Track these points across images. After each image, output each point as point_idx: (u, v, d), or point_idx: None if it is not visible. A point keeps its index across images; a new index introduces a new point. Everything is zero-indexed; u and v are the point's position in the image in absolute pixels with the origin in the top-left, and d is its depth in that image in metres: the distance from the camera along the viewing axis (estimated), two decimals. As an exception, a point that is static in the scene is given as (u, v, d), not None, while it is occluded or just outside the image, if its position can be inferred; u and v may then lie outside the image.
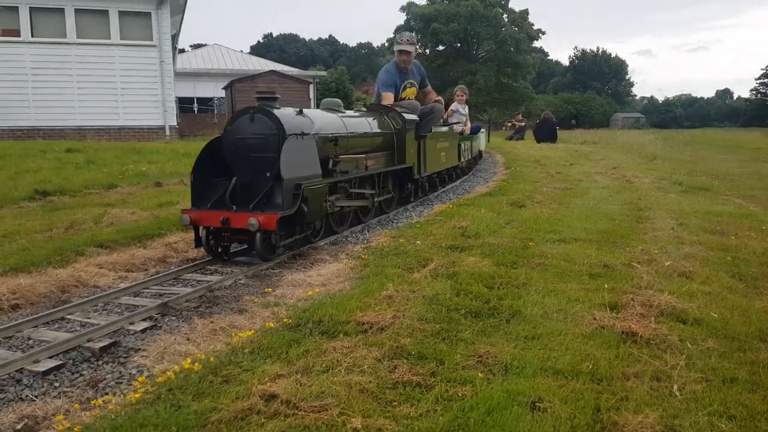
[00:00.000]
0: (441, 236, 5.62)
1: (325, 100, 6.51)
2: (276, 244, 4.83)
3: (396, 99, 8.30)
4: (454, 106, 12.29)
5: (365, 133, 6.56)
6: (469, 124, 12.42)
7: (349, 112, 6.67)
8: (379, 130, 6.94)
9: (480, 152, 14.15)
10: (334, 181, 5.60)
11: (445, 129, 9.49)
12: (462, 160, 10.97)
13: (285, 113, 5.10)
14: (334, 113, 6.21)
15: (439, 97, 8.96)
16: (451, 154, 9.75)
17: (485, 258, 4.75)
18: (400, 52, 8.32)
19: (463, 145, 11.02)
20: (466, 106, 12.64)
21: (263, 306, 3.80)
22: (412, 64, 8.54)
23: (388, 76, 8.34)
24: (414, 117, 7.72)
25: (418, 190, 8.35)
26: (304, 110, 5.50)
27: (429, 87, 9.14)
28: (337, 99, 6.64)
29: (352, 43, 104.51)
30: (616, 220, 6.48)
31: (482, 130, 15.80)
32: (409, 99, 8.51)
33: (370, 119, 6.88)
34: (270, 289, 4.18)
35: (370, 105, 7.95)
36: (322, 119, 5.75)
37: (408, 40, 8.40)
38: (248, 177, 5.01)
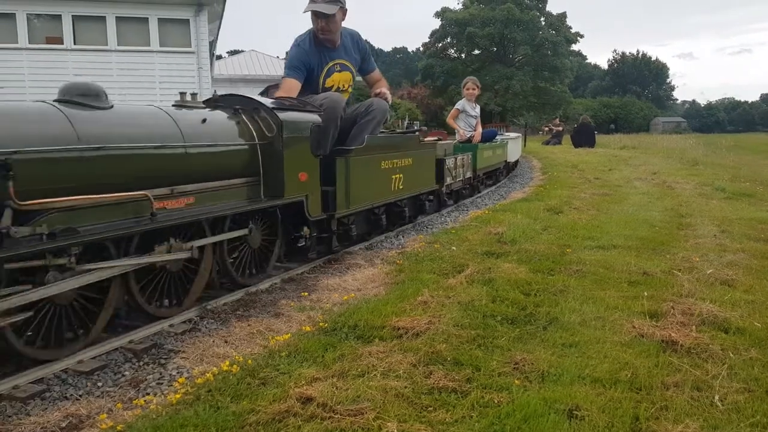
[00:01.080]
0: (476, 242, 5.60)
1: (65, 85, 3.30)
2: None
3: (316, 89, 5.24)
4: (461, 104, 9.48)
5: (157, 147, 3.44)
6: (479, 129, 9.64)
7: (125, 107, 3.59)
8: (219, 143, 3.90)
9: (507, 162, 11.96)
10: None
11: (400, 138, 6.42)
12: (448, 181, 7.49)
13: None
14: (72, 109, 3.13)
15: (383, 90, 5.62)
16: (418, 175, 6.31)
17: (522, 264, 4.72)
18: (316, 14, 5.02)
19: (451, 161, 7.56)
20: (478, 106, 9.80)
21: (299, 310, 3.84)
22: (343, 35, 5.35)
23: (298, 53, 5.14)
24: (309, 118, 4.53)
25: (332, 238, 4.95)
26: None
27: (377, 72, 5.87)
28: (97, 84, 3.38)
29: (387, 48, 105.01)
30: (656, 226, 6.36)
31: (518, 135, 15.26)
32: (338, 89, 5.35)
33: (191, 121, 3.79)
34: (306, 294, 4.22)
35: (218, 97, 4.55)
36: None
37: None
38: None
